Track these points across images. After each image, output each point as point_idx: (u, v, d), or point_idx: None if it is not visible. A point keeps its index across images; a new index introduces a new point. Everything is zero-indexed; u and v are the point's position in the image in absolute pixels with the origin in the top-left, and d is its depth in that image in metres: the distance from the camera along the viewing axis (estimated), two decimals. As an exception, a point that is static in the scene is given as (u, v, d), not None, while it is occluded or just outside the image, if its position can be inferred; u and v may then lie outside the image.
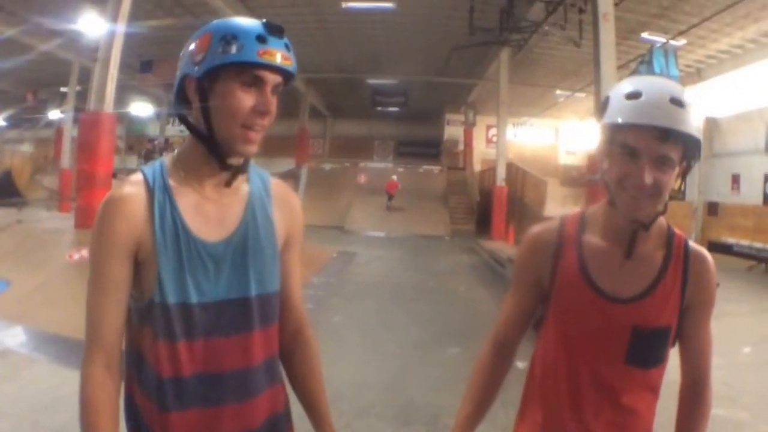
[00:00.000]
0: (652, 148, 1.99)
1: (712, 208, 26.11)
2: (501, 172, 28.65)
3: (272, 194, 2.19)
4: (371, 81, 36.31)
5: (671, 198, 2.11)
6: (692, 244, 2.23)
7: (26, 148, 51.35)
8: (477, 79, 32.56)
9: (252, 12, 24.11)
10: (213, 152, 1.95)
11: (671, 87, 2.03)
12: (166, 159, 2.03)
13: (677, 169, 2.03)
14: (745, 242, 22.93)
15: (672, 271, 2.17)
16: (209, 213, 2.00)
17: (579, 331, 2.25)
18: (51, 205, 27.55)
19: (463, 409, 2.38)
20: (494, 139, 34.77)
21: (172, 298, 1.90)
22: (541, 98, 36.83)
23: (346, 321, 11.50)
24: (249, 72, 1.87)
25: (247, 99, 1.88)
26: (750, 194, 23.77)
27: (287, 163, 41.78)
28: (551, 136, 46.12)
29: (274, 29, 1.90)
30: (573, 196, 31.30)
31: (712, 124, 26.22)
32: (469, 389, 2.43)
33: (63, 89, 32.70)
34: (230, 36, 1.86)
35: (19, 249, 11.85)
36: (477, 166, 40.82)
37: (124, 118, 40.31)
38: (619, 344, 2.16)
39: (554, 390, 2.31)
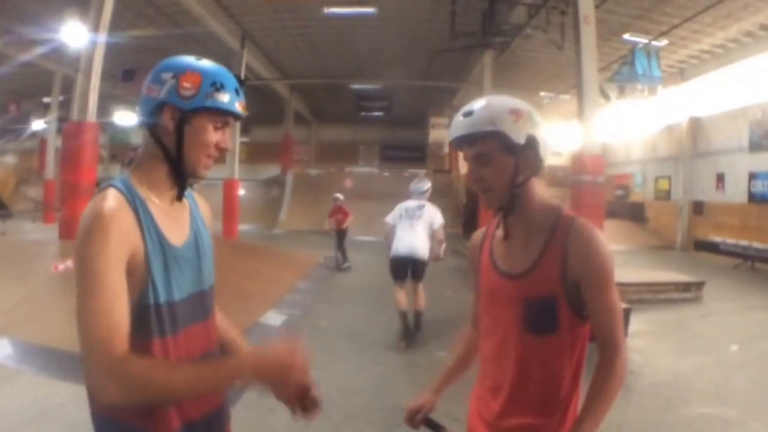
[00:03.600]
0: (469, 152, 2.59)
1: (698, 208, 26.22)
2: (487, 175, 28.33)
3: (198, 203, 2.56)
4: (355, 86, 36.26)
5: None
6: (579, 222, 2.52)
7: (10, 159, 51.23)
8: (461, 83, 32.53)
9: (233, 19, 24.18)
10: (177, 172, 2.29)
11: (473, 104, 2.56)
12: (129, 175, 2.26)
13: (507, 159, 2.50)
14: (731, 240, 23.12)
15: (552, 248, 2.51)
16: (171, 222, 2.29)
17: (492, 305, 2.71)
18: (36, 216, 27.54)
19: (447, 364, 3.11)
20: (479, 141, 34.53)
21: (162, 298, 2.16)
22: (525, 100, 36.17)
23: (332, 326, 11.56)
24: (223, 117, 2.28)
25: (215, 136, 2.29)
26: (735, 193, 23.88)
27: (272, 170, 41.85)
28: (536, 137, 45.77)
29: (242, 83, 2.33)
30: (559, 197, 31.27)
31: (695, 123, 26.42)
32: (452, 352, 3.14)
33: (46, 100, 32.61)
34: (219, 84, 2.22)
35: (2, 261, 11.83)
36: (462, 169, 40.81)
37: (107, 128, 40.17)
38: (518, 314, 2.54)
39: (482, 359, 2.80)
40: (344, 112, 43.53)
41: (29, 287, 9.52)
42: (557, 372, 2.51)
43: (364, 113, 41.00)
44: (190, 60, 2.27)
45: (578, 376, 2.57)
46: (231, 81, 2.26)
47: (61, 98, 28.91)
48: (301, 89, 39.99)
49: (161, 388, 1.93)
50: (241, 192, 30.57)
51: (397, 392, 7.91)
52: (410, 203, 10.78)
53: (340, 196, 21.93)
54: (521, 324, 2.53)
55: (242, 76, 23.01)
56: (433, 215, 10.62)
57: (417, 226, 10.41)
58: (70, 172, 14.00)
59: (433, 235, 10.57)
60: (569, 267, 2.45)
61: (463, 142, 2.55)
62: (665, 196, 28.78)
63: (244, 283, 12.74)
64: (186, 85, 2.17)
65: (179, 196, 2.38)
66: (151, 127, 2.24)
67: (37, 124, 38.25)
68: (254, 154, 47.58)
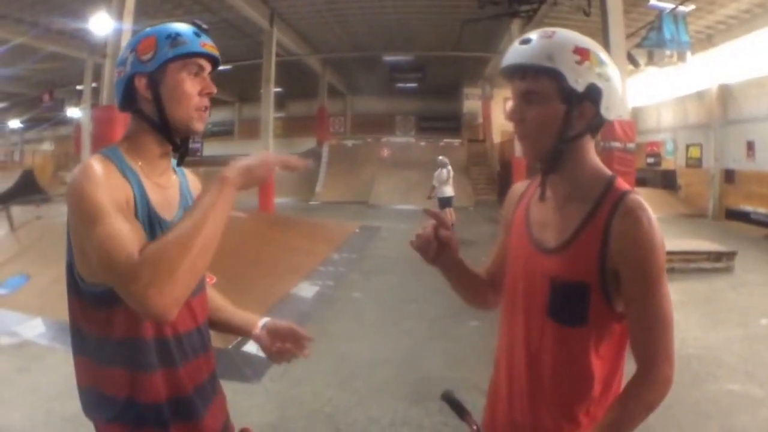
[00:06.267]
0: (517, 87, 2.14)
1: (729, 176, 25.47)
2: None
3: (188, 179, 2.52)
4: (387, 58, 36.35)
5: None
6: (630, 199, 2.07)
7: (47, 146, 52.21)
8: (491, 53, 32.41)
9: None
10: (166, 136, 2.24)
11: (537, 32, 2.11)
12: (120, 148, 2.20)
13: (558, 105, 2.06)
14: (762, 210, 22.55)
15: (594, 224, 2.08)
16: (162, 196, 2.23)
17: (515, 277, 2.32)
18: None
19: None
20: (511, 111, 34.58)
21: None
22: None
23: (365, 297, 11.60)
24: (193, 62, 2.20)
25: (194, 84, 2.21)
26: (765, 161, 23.22)
27: (308, 143, 42.10)
28: (567, 105, 45.75)
29: (202, 28, 2.26)
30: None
31: (725, 90, 25.72)
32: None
33: (79, 87, 33.00)
34: (174, 34, 2.18)
35: (37, 244, 12.11)
36: (496, 138, 40.78)
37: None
38: (543, 295, 2.15)
39: (498, 345, 2.45)
40: (378, 84, 43.32)
41: (61, 268, 9.88)
42: (582, 372, 2.10)
43: (399, 85, 41.01)
44: (144, 30, 2.25)
45: (613, 381, 2.16)
46: (187, 28, 2.22)
47: (93, 85, 29.18)
48: (333, 63, 40.11)
49: (185, 257, 1.83)
50: (277, 165, 30.38)
51: (426, 365, 7.95)
52: (443, 174, 21.22)
53: None
54: (545, 308, 2.14)
55: (272, 54, 22.85)
56: (451, 172, 21.47)
57: (448, 183, 21.04)
58: (102, 155, 14.20)
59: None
60: (610, 252, 2.02)
61: (514, 74, 2.14)
62: (696, 163, 28.01)
63: (277, 255, 12.88)
64: (143, 50, 2.16)
65: (179, 162, 2.42)
66: (132, 107, 2.23)
67: (72, 112, 38.74)
68: (290, 128, 48.16)
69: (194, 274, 1.89)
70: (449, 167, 21.37)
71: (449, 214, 20.25)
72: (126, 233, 1.88)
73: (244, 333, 2.61)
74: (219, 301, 2.65)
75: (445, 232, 2.44)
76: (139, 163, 2.19)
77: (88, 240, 1.90)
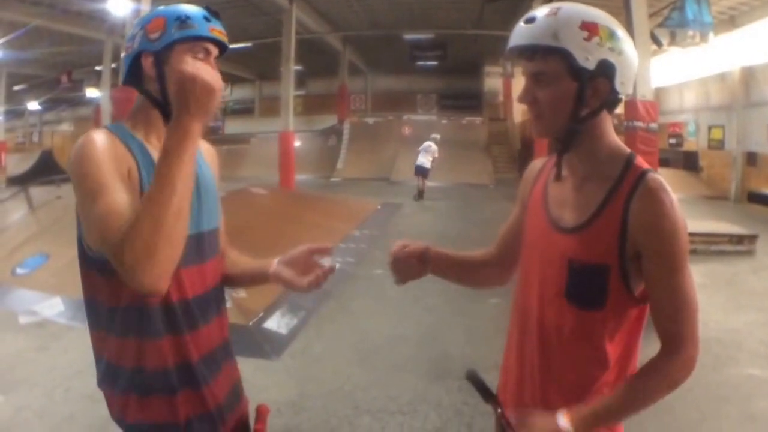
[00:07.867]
0: (526, 68, 2.09)
1: (751, 159, 25.03)
2: (540, 122, 28.40)
3: (201, 149, 2.46)
4: (407, 36, 36.19)
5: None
6: (649, 178, 2.00)
7: (66, 127, 52.41)
8: (511, 32, 32.37)
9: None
10: (167, 115, 2.13)
11: (539, 9, 2.03)
12: (126, 125, 2.26)
13: (569, 84, 2.00)
14: (783, 193, 22.00)
15: (613, 206, 2.02)
16: None
17: (531, 257, 2.28)
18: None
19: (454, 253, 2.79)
20: (533, 89, 34.58)
21: None
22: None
23: (386, 274, 11.28)
24: (199, 45, 2.22)
25: None
26: None
27: (329, 120, 42.45)
28: (589, 84, 45.71)
29: (214, 13, 2.28)
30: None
31: (748, 72, 25.28)
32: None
33: (98, 68, 32.98)
34: (184, 17, 2.20)
35: (57, 223, 12.02)
36: (517, 117, 40.60)
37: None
38: (559, 276, 2.11)
39: (510, 327, 2.43)
40: (399, 62, 43.24)
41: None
42: (597, 356, 2.07)
43: (419, 63, 40.97)
44: (155, 10, 2.28)
45: (628, 365, 2.12)
46: (197, 11, 2.24)
47: (113, 66, 29.27)
48: (354, 41, 40.05)
49: (160, 231, 1.82)
50: (298, 143, 30.65)
51: (445, 342, 7.98)
52: (427, 145, 25.05)
53: None
54: (562, 290, 2.10)
55: (292, 32, 22.94)
56: (435, 149, 25.00)
57: (427, 154, 24.73)
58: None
59: (433, 155, 24.75)
60: (630, 232, 1.97)
61: (521, 54, 2.09)
62: (719, 145, 27.45)
63: (298, 232, 12.76)
64: (152, 29, 2.19)
65: None
66: (137, 84, 2.28)
67: (91, 92, 38.90)
68: (310, 106, 48.17)
69: (173, 243, 1.89)
70: (434, 145, 25.34)
71: (422, 182, 24.95)
72: (121, 208, 1.90)
73: (262, 278, 2.59)
74: (235, 257, 2.69)
75: (408, 251, 2.69)
76: (144, 135, 2.25)
77: (88, 214, 1.95)
